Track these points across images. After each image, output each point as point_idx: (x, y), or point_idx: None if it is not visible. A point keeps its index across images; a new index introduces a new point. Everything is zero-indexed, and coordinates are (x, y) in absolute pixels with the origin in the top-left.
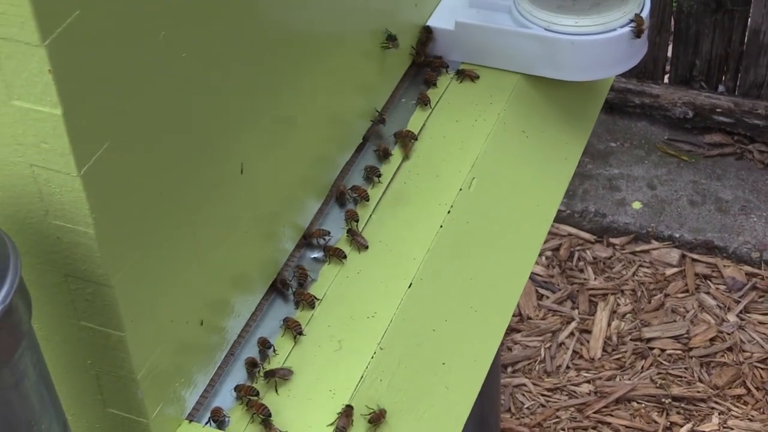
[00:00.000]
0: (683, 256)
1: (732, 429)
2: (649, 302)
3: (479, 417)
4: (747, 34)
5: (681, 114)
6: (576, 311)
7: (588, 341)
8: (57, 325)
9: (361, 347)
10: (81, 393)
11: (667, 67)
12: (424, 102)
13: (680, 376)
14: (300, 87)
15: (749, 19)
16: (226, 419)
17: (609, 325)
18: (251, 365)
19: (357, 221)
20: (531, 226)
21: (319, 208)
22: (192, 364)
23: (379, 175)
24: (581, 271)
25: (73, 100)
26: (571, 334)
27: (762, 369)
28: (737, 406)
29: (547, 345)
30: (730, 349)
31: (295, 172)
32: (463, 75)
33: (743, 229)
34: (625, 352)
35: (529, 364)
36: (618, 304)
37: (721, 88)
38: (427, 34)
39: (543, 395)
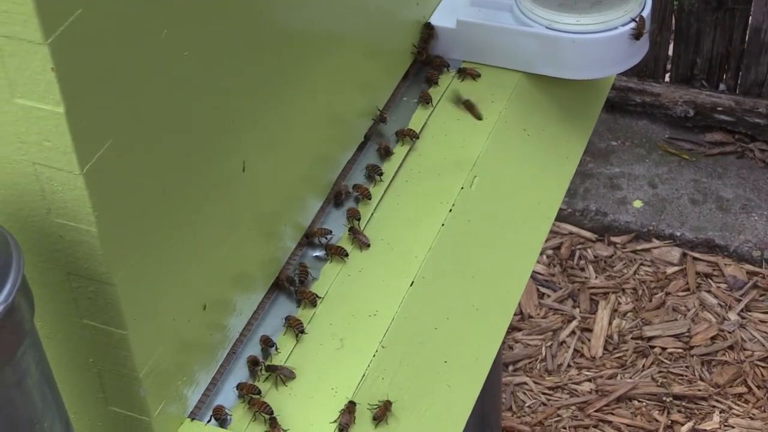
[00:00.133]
0: (684, 255)
1: (733, 427)
2: (650, 301)
3: (480, 415)
4: (748, 32)
5: (682, 113)
6: (577, 310)
7: (589, 340)
8: (59, 324)
9: (363, 345)
10: (83, 391)
11: (668, 66)
12: (425, 100)
13: (681, 375)
14: (301, 86)
15: (750, 18)
16: (228, 417)
17: (610, 323)
18: (253, 364)
19: (359, 220)
20: (532, 224)
21: (320, 206)
22: (194, 363)
23: (381, 174)
24: (582, 269)
25: (76, 98)
26: (572, 332)
27: (763, 367)
28: (738, 405)
29: (549, 343)
30: (731, 347)
31: (296, 170)
32: (464, 73)
33: (744, 228)
34: (626, 350)
35: (530, 362)
36: (619, 303)
37: (722, 86)
38: (428, 31)
39: (544, 394)
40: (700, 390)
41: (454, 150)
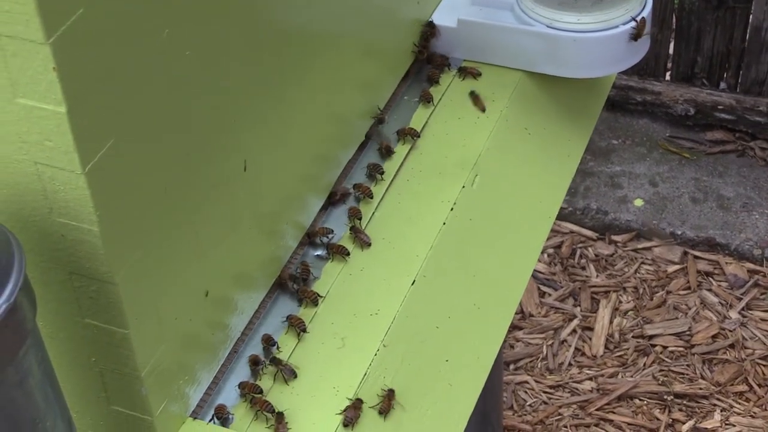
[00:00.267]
0: (685, 254)
1: (734, 426)
2: (651, 299)
3: (482, 414)
4: (748, 31)
5: (683, 111)
6: (578, 308)
7: (590, 338)
8: (61, 323)
9: (365, 344)
10: (85, 390)
11: (669, 65)
12: (426, 99)
13: (682, 373)
14: (302, 85)
15: (751, 16)
16: (230, 416)
17: (611, 322)
18: (254, 363)
19: (360, 219)
20: (533, 223)
21: (321, 205)
22: (196, 362)
23: (382, 173)
24: (583, 268)
25: (77, 97)
26: (573, 331)
27: (764, 366)
28: (739, 403)
29: (549, 342)
30: (732, 346)
31: (297, 170)
32: (465, 72)
33: (745, 226)
34: (627, 349)
35: (531, 361)
36: (620, 302)
37: (722, 85)
38: (430, 29)
39: (545, 392)
40: (701, 388)
41: (455, 149)
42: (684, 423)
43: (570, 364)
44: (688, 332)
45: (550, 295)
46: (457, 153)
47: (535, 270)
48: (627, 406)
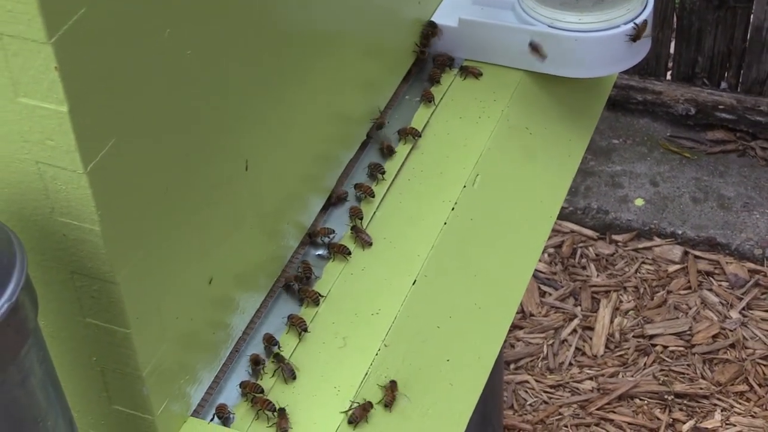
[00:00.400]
0: (686, 253)
1: (734, 426)
2: (652, 299)
3: (482, 414)
4: (749, 30)
5: (683, 111)
6: (578, 308)
7: (590, 338)
8: (63, 322)
9: (366, 344)
10: (87, 390)
11: (670, 64)
12: (428, 99)
13: (683, 373)
14: (304, 85)
15: (752, 16)
16: (231, 416)
17: (611, 322)
18: (255, 362)
19: (361, 218)
20: (534, 223)
21: (323, 205)
22: (197, 361)
23: (383, 173)
24: (584, 268)
25: (79, 97)
26: (574, 331)
27: (764, 366)
28: (740, 403)
29: (550, 342)
30: (732, 345)
31: (299, 169)
32: (466, 72)
33: (746, 226)
34: (628, 348)
35: (531, 361)
36: (620, 301)
37: (723, 84)
38: (430, 29)
39: (546, 392)
40: (701, 388)
41: (456, 148)
42: (684, 423)
43: (570, 364)
44: (688, 332)
45: (550, 294)
46: (459, 153)
47: (535, 269)
48: (627, 406)
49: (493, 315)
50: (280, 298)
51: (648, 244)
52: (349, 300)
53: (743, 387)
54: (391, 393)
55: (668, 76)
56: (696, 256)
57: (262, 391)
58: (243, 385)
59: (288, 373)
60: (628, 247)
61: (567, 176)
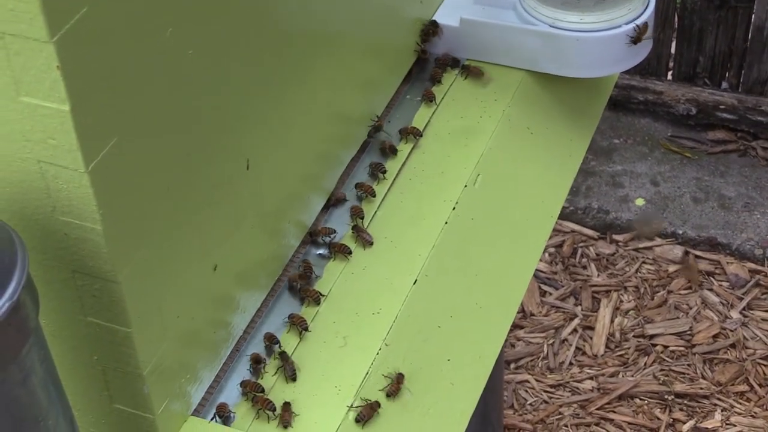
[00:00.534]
0: (686, 253)
1: (735, 426)
2: (652, 299)
3: (482, 413)
4: (751, 30)
5: (684, 111)
6: (579, 308)
7: (591, 338)
8: (64, 321)
9: (367, 343)
10: (88, 389)
11: (671, 64)
12: (429, 99)
13: (683, 373)
14: (305, 84)
15: (753, 16)
16: (232, 415)
17: (612, 321)
18: (256, 361)
19: (362, 218)
20: (535, 222)
21: (323, 204)
22: (198, 360)
23: (384, 172)
24: (584, 267)
25: (81, 96)
26: (574, 330)
27: (765, 366)
28: (740, 403)
29: (550, 341)
30: (733, 345)
31: (299, 169)
32: (467, 72)
33: (746, 226)
34: (628, 348)
35: (532, 360)
36: (621, 301)
37: (724, 84)
38: (432, 27)
39: (546, 392)
40: (701, 388)
41: (457, 148)
42: (685, 423)
43: (571, 364)
44: (689, 332)
45: (551, 294)
46: (460, 152)
47: (536, 269)
48: (627, 406)
49: (493, 314)
50: (281, 297)
51: (648, 243)
52: (350, 299)
53: (743, 387)
54: (396, 384)
55: (669, 76)
56: (696, 256)
57: (263, 391)
58: (244, 384)
59: (289, 373)
60: (628, 247)
61: (568, 176)
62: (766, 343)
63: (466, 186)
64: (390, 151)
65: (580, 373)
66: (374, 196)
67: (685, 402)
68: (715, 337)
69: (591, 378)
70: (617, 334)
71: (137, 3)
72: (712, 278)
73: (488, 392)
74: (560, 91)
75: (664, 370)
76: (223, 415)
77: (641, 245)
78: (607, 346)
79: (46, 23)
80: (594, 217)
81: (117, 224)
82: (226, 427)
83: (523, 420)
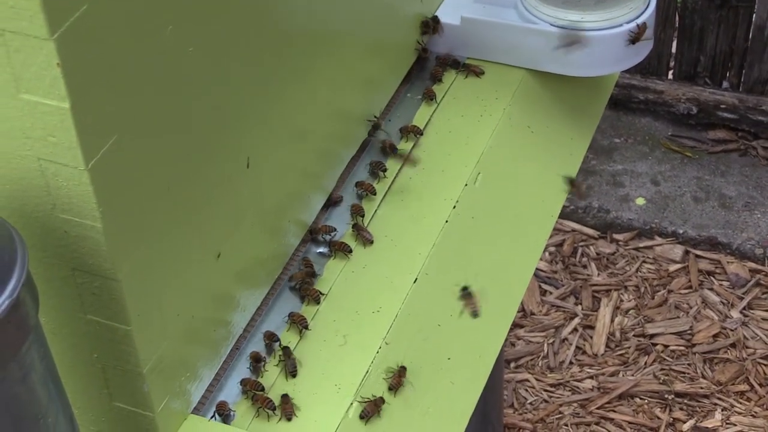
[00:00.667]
0: (687, 253)
1: (735, 425)
2: (653, 298)
3: (482, 412)
4: (751, 30)
5: (685, 110)
6: (579, 307)
7: (591, 337)
8: (64, 319)
9: (367, 342)
10: (87, 387)
11: (672, 63)
12: (429, 97)
13: (683, 372)
14: (305, 83)
15: (754, 15)
16: (232, 413)
17: (612, 321)
18: (256, 360)
19: (362, 216)
20: (536, 221)
21: (324, 203)
22: (197, 359)
23: (385, 170)
24: (585, 266)
25: (81, 93)
26: (574, 329)
27: (765, 365)
28: (740, 403)
29: (550, 341)
30: (733, 345)
31: (299, 167)
32: (468, 70)
33: (747, 226)
34: (629, 348)
35: (532, 359)
36: (621, 300)
37: (725, 84)
38: (434, 23)
39: (546, 391)
40: (702, 388)
41: (458, 147)
42: (685, 422)
43: (571, 363)
44: (689, 331)
45: (551, 293)
46: (460, 151)
47: (536, 268)
48: (628, 405)
49: (493, 313)
50: (282, 295)
51: (649, 243)
52: (350, 298)
53: (744, 387)
54: (398, 377)
55: (670, 76)
56: (697, 256)
57: (263, 389)
58: (243, 382)
59: (290, 368)
60: (629, 246)
61: (569, 175)
62: (766, 343)
63: (466, 185)
64: (390, 150)
65: (580, 372)
66: (375, 195)
67: (686, 401)
68: (715, 336)
69: (591, 377)
70: (617, 334)
71: (137, 1)
72: (712, 278)
73: (488, 391)
74: (561, 90)
75: (664, 369)
76: (223, 414)
77: (641, 244)
78: (607, 346)
79: (46, 20)
80: (594, 217)
81: (117, 222)
82: (225, 426)
83: (523, 419)
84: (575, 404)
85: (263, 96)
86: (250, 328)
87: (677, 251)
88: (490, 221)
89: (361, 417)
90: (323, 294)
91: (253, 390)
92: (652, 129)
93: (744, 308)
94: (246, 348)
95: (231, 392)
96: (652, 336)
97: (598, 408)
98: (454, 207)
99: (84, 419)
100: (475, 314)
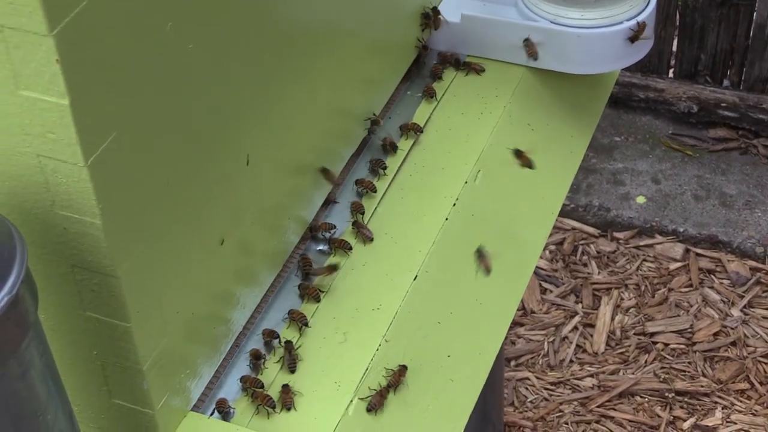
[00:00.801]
0: (687, 251)
1: (735, 423)
2: (653, 296)
3: (482, 410)
4: (752, 28)
5: (686, 108)
6: (579, 305)
7: (591, 335)
8: (63, 316)
9: (367, 339)
10: (87, 384)
11: (672, 62)
12: (429, 95)
13: (684, 371)
14: (305, 80)
15: (754, 14)
16: (231, 410)
17: (612, 319)
18: (256, 357)
19: (362, 213)
20: (536, 219)
21: (323, 201)
22: (197, 356)
23: (385, 168)
24: (585, 265)
25: (80, 90)
26: (575, 328)
27: (765, 363)
28: (740, 401)
29: (551, 339)
30: (733, 343)
31: (300, 164)
32: (468, 68)
33: (747, 224)
34: (629, 346)
35: (532, 357)
36: (622, 299)
37: (726, 82)
38: (434, 14)
39: (546, 389)
40: (702, 386)
41: (458, 144)
42: (685, 420)
43: (571, 361)
44: (689, 330)
45: (551, 291)
46: (460, 148)
47: (536, 266)
48: (628, 403)
49: (493, 311)
50: (281, 293)
51: (649, 241)
52: (349, 295)
53: (744, 385)
54: (397, 376)
55: (670, 74)
56: (697, 254)
57: (263, 386)
58: (243, 379)
59: (289, 362)
60: (629, 245)
61: (569, 173)
62: (766, 341)
63: (466, 182)
64: (390, 148)
65: (580, 370)
66: (375, 192)
67: (686, 400)
68: (715, 334)
69: (591, 375)
70: (618, 332)
71: None
72: (713, 276)
73: (488, 389)
74: (561, 88)
75: (664, 367)
76: (223, 411)
77: (642, 243)
78: (607, 344)
79: (45, 17)
80: (595, 215)
81: (116, 219)
82: (225, 423)
83: (523, 417)
84: (575, 402)
85: (263, 93)
86: (250, 326)
87: (678, 249)
88: (490, 219)
89: (369, 410)
90: (323, 291)
91: (252, 387)
92: (652, 127)
93: (744, 306)
94: (246, 345)
95: (231, 389)
96: (652, 334)
97: (598, 406)
98: (454, 204)
99: (83, 416)
100: (488, 271)
